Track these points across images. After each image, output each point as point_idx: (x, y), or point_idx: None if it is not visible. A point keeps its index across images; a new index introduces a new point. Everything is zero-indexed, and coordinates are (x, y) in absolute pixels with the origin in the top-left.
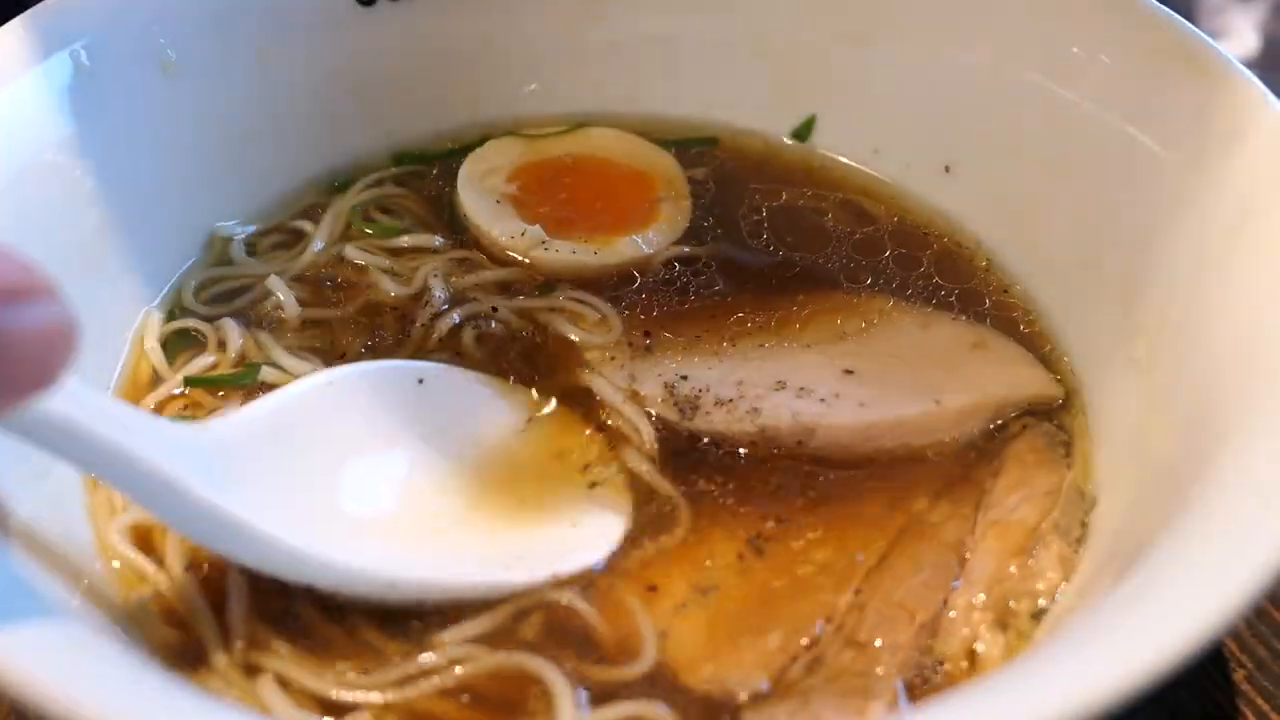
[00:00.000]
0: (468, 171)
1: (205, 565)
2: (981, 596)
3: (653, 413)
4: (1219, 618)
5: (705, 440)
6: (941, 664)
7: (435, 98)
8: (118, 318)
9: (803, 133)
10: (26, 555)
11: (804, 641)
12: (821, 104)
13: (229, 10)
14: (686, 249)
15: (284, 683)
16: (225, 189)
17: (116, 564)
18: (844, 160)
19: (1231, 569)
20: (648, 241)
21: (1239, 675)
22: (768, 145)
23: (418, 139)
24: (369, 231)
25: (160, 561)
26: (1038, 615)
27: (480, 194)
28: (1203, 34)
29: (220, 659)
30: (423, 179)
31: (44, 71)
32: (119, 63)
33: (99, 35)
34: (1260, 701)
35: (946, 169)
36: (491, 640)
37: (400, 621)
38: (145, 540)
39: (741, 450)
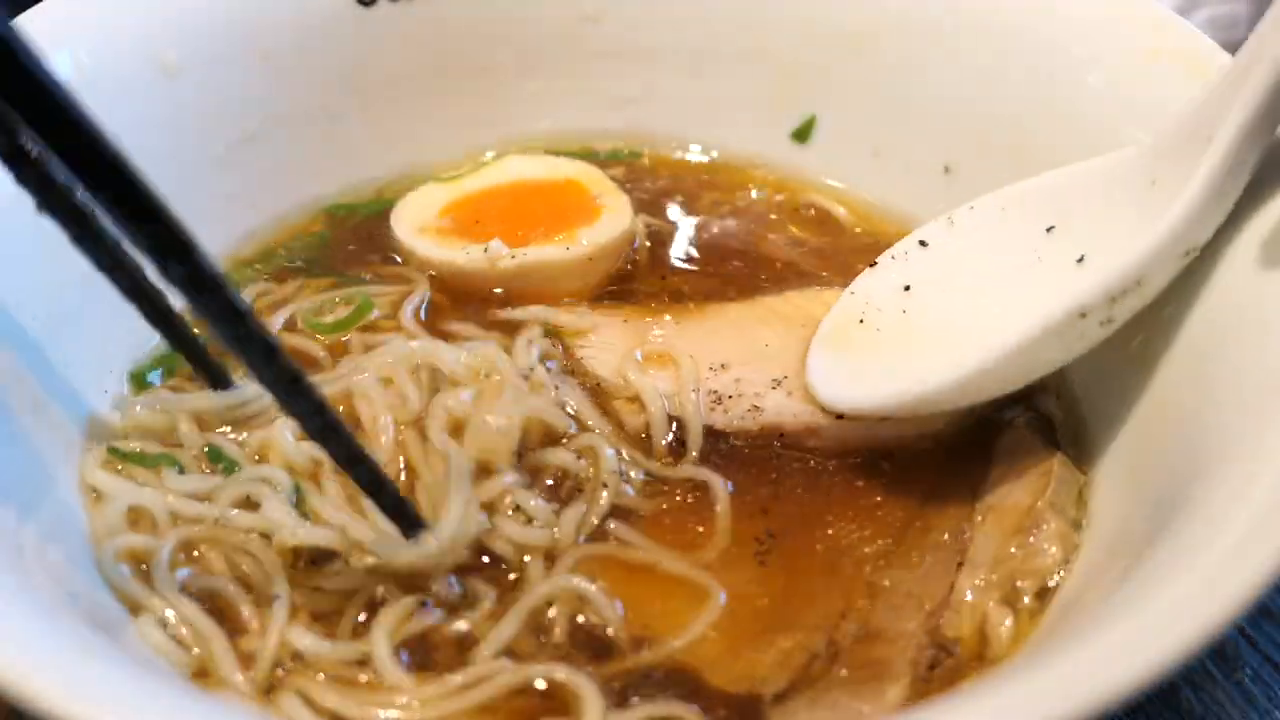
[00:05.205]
0: (399, 219)
1: (202, 587)
2: (986, 578)
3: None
4: (1218, 619)
5: (708, 438)
6: (952, 647)
7: (435, 98)
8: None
9: (803, 133)
10: (29, 574)
11: (821, 637)
12: (821, 105)
13: (229, 10)
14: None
15: (309, 701)
16: (228, 189)
17: (117, 578)
18: (842, 161)
19: (1234, 568)
20: (604, 231)
21: (1242, 674)
22: (763, 146)
23: (419, 138)
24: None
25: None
26: (1043, 594)
27: (419, 235)
28: (1202, 33)
29: (236, 678)
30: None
31: None
32: (119, 63)
33: (99, 35)
34: (1263, 701)
35: (946, 169)
36: (517, 648)
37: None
38: (139, 564)
39: (744, 446)
